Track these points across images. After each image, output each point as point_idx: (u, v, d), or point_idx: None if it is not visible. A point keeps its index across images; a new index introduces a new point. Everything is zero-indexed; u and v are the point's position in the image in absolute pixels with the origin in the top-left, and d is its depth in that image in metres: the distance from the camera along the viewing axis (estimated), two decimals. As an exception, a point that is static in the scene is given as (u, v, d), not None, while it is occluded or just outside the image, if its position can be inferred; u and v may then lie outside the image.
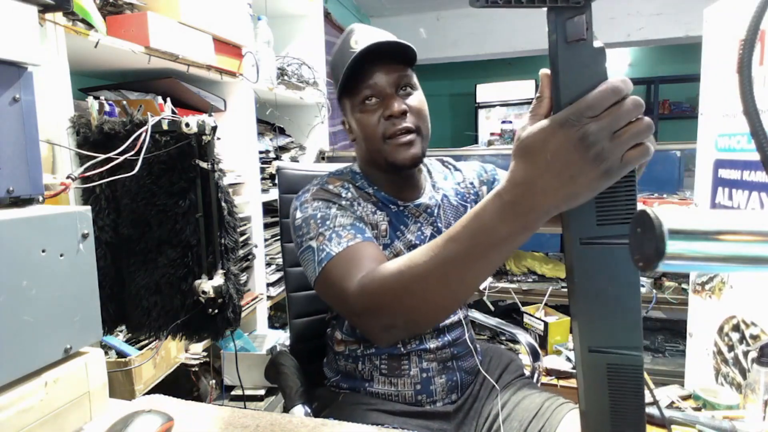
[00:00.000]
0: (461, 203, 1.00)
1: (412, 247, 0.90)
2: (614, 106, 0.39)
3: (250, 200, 1.83)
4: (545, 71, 0.43)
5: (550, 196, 0.42)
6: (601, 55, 0.40)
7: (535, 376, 1.14)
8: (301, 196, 0.89)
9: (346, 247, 0.75)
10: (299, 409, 0.93)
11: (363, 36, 0.85)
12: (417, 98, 0.87)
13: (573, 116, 0.39)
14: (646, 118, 0.40)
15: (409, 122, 0.84)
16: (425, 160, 1.02)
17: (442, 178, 1.02)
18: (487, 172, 1.05)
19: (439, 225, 0.95)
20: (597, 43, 0.40)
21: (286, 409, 0.94)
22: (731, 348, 1.49)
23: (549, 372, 1.98)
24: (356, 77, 0.85)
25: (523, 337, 1.21)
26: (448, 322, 0.94)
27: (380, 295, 0.61)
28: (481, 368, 0.98)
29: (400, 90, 0.85)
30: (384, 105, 0.84)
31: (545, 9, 0.40)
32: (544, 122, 0.41)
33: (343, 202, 0.87)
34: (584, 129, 0.39)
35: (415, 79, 0.88)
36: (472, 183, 1.03)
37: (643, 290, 2.19)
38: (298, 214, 0.85)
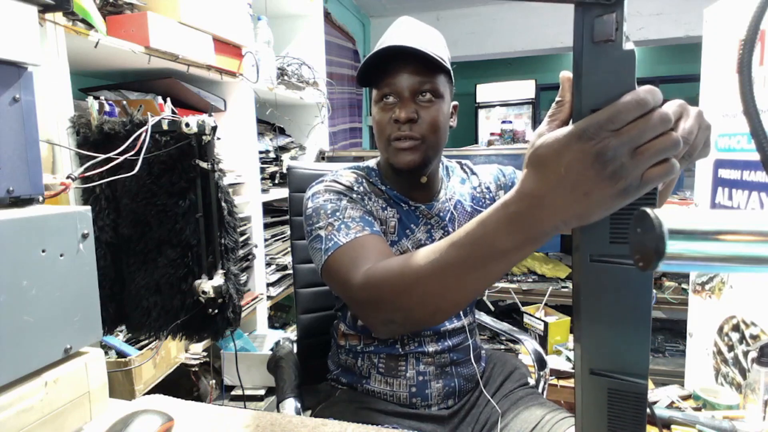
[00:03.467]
0: (476, 208, 0.98)
1: (420, 246, 0.90)
2: (638, 119, 0.35)
3: (250, 200, 1.83)
4: (567, 74, 0.40)
5: (559, 212, 0.39)
6: (630, 60, 0.36)
7: (540, 385, 1.12)
8: (314, 187, 0.90)
9: (354, 238, 0.75)
10: (290, 403, 0.93)
11: (403, 32, 0.84)
12: (434, 108, 0.84)
13: (591, 128, 0.36)
14: (674, 134, 0.36)
15: (414, 131, 0.83)
16: (446, 162, 1.02)
17: (459, 182, 1.01)
18: (505, 176, 1.03)
19: (451, 230, 0.93)
20: (628, 46, 0.36)
21: (278, 403, 0.95)
22: (731, 348, 1.49)
23: (550, 372, 1.97)
24: (384, 71, 0.84)
25: (530, 344, 1.20)
26: (450, 327, 0.93)
27: (381, 289, 0.62)
28: (480, 380, 0.97)
29: (419, 96, 0.83)
30: (398, 107, 0.84)
31: (572, 5, 0.37)
32: (560, 132, 0.38)
33: (354, 195, 0.88)
34: (603, 144, 0.36)
35: (442, 88, 0.85)
36: (488, 187, 1.01)
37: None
38: (310, 204, 0.86)
